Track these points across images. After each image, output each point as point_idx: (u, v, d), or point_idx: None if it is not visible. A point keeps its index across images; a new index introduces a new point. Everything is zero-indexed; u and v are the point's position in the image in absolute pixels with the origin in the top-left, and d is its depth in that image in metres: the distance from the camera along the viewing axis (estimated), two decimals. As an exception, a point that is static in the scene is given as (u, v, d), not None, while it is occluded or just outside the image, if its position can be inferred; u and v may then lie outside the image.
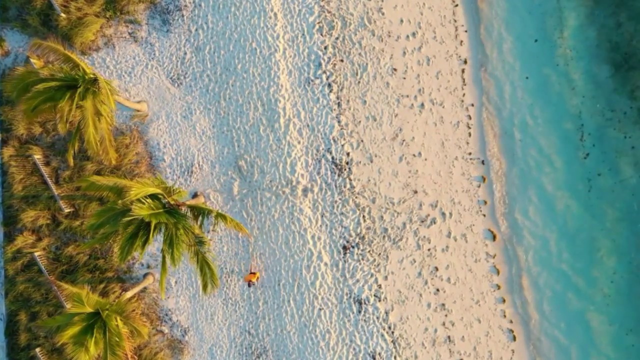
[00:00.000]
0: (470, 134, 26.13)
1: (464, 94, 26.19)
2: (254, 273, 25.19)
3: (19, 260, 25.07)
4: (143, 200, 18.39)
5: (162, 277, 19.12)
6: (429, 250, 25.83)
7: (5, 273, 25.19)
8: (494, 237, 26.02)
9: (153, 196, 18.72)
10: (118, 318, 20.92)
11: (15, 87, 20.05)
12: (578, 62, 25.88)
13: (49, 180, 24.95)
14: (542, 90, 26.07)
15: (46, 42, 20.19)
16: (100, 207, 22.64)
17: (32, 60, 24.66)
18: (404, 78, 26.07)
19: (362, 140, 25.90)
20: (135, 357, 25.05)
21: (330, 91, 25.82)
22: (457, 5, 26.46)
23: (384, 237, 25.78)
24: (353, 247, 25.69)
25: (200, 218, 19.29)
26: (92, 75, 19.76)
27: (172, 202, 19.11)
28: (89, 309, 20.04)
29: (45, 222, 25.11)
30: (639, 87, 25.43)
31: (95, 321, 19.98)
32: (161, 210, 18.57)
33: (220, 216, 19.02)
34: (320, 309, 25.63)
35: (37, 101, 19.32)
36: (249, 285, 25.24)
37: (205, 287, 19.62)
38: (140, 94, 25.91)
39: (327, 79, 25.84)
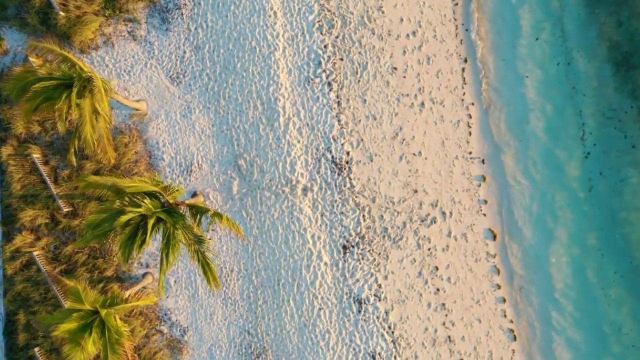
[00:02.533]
0: (470, 133, 26.05)
1: (464, 93, 26.12)
2: None
3: (17, 260, 24.97)
4: (140, 202, 18.33)
5: (161, 276, 19.04)
6: (429, 249, 25.76)
7: (4, 272, 25.10)
8: (495, 237, 25.95)
9: (152, 195, 18.65)
10: (117, 317, 20.81)
11: (14, 87, 19.97)
12: (579, 61, 25.83)
13: (47, 180, 24.86)
14: (543, 89, 26.00)
15: (42, 43, 20.11)
16: (98, 205, 22.51)
17: (30, 58, 24.57)
18: (404, 77, 26.00)
19: (362, 139, 25.82)
20: (136, 356, 24.95)
21: (330, 90, 25.75)
22: (457, 4, 26.39)
23: (384, 236, 25.70)
24: (353, 246, 25.61)
25: (198, 217, 19.23)
26: (88, 74, 19.67)
27: (170, 201, 19.04)
28: (88, 307, 19.94)
29: (44, 221, 25.01)
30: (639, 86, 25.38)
31: (93, 320, 19.86)
32: (159, 209, 18.50)
33: (217, 215, 18.97)
34: (320, 309, 25.55)
35: (36, 101, 19.24)
36: None
37: (209, 283, 19.59)
38: (140, 93, 25.83)
39: (327, 78, 25.77)
